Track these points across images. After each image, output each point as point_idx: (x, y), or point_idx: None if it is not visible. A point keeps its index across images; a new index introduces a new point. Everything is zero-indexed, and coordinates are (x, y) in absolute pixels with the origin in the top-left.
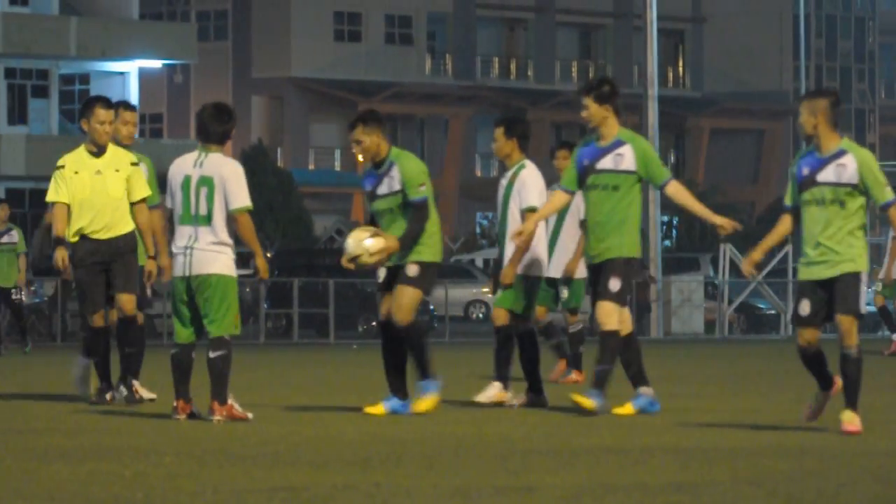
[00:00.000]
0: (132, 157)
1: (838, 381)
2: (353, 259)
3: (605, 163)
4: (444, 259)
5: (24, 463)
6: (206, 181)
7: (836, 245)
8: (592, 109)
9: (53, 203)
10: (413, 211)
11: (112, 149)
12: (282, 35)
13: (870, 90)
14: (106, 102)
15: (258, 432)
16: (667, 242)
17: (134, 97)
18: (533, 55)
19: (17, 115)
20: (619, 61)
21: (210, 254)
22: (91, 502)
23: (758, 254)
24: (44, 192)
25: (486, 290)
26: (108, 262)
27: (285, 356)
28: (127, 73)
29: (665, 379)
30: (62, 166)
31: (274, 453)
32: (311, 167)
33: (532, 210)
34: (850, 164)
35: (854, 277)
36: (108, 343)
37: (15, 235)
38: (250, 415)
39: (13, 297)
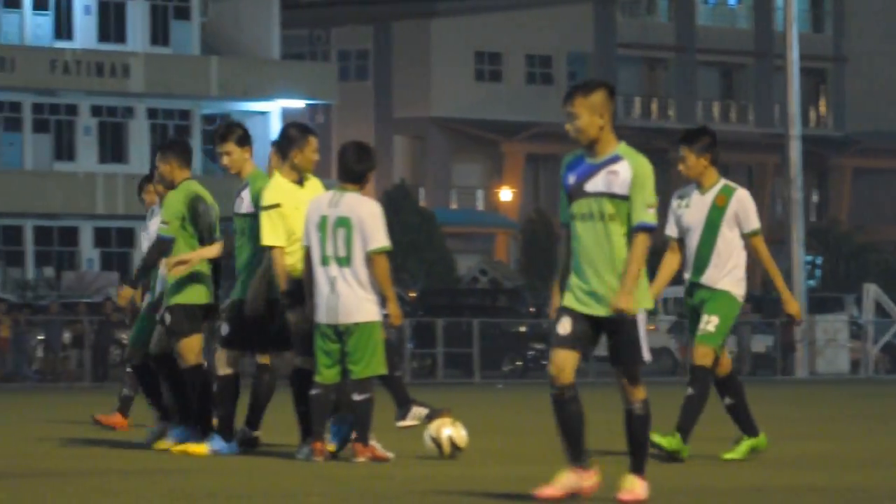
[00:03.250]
0: (319, 180)
1: None
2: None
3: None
4: None
5: (170, 503)
6: (343, 222)
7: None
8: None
9: (271, 247)
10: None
11: (311, 178)
12: (423, 75)
13: None
14: (312, 131)
15: (402, 472)
16: (811, 282)
17: (275, 137)
18: (674, 94)
19: None
20: (761, 101)
21: (354, 300)
22: None
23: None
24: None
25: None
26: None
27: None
28: (268, 113)
29: (811, 419)
30: (278, 205)
31: (420, 492)
32: (454, 207)
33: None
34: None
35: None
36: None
37: None
38: (391, 455)
39: None
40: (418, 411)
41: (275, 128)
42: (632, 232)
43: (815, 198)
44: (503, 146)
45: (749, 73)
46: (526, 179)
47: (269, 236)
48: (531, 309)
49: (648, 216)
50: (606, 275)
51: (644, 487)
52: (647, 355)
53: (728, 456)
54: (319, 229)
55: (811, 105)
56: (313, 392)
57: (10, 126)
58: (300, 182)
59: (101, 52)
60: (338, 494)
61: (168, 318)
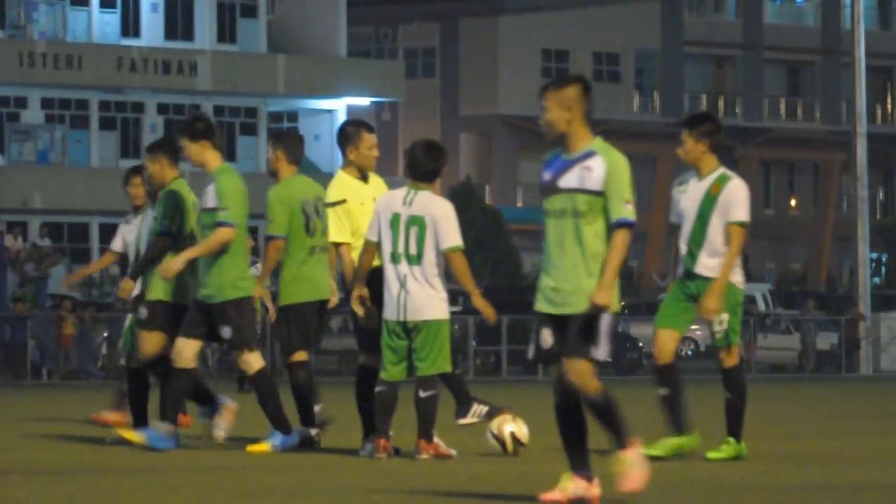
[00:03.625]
0: (381, 178)
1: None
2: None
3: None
4: (654, 296)
5: (232, 500)
6: (416, 220)
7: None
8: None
9: (338, 244)
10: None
11: (372, 175)
12: (489, 72)
13: None
14: (368, 126)
15: (465, 469)
16: (876, 279)
17: None
18: (741, 92)
19: (227, 152)
20: (827, 98)
21: (424, 298)
22: None
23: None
24: (254, 230)
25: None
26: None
27: (493, 394)
28: (335, 111)
29: (874, 416)
30: (343, 200)
31: (485, 491)
32: (520, 204)
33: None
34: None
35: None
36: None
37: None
38: (454, 452)
39: None
40: (478, 409)
41: None
42: (611, 228)
43: (880, 195)
44: None
45: (816, 71)
46: None
47: (335, 233)
48: None
49: (627, 212)
50: (578, 273)
51: (636, 456)
52: (603, 355)
53: (713, 456)
54: (392, 227)
55: (878, 102)
56: (378, 389)
57: (77, 124)
58: (364, 178)
59: (168, 49)
60: (401, 491)
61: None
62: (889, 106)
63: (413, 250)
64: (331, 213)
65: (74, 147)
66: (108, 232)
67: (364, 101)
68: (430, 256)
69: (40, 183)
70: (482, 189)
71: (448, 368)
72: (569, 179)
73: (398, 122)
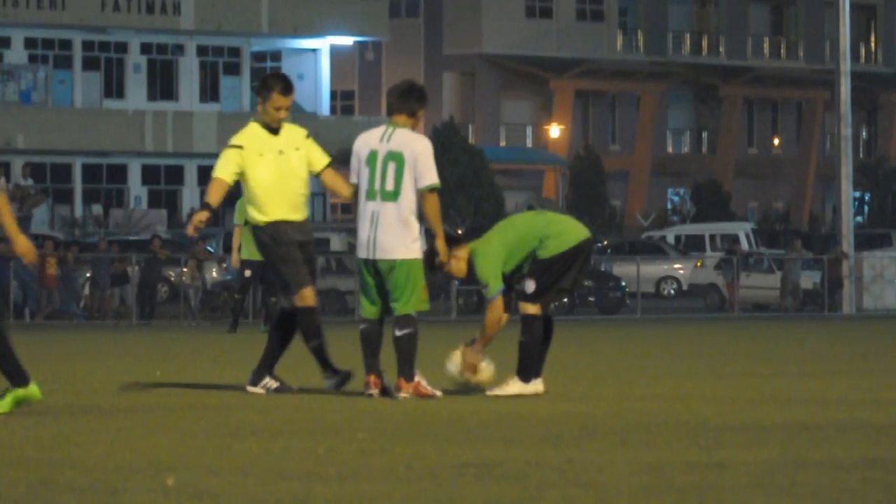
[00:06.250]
0: (304, 129)
1: None
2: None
3: None
4: (637, 234)
5: (216, 439)
6: (394, 156)
7: None
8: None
9: (215, 178)
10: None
11: (286, 125)
12: (473, 11)
13: None
14: (286, 87)
15: (449, 409)
16: (859, 218)
17: (325, 74)
18: (724, 30)
19: (210, 92)
20: (811, 36)
21: (393, 238)
22: (284, 478)
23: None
24: None
25: (677, 265)
26: (304, 244)
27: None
28: (318, 50)
29: (857, 356)
30: (241, 146)
31: (465, 430)
32: (503, 144)
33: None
34: None
35: None
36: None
37: None
38: (439, 393)
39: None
40: (269, 383)
41: (325, 65)
42: None
43: (864, 134)
44: (552, 83)
45: (799, 9)
46: (575, 116)
47: (218, 168)
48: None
49: None
50: None
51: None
52: None
53: None
54: (368, 163)
55: (861, 41)
56: (361, 327)
57: (60, 64)
58: (273, 131)
59: None
60: (383, 430)
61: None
62: (873, 44)
63: (390, 186)
64: (223, 153)
65: (58, 87)
66: (91, 172)
67: (347, 41)
68: (408, 194)
69: (23, 123)
70: (465, 129)
71: (425, 307)
72: None
73: (382, 61)
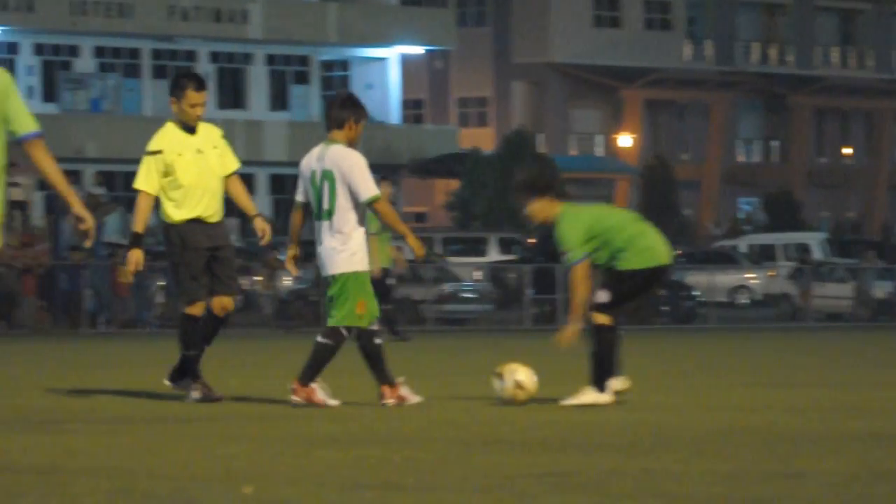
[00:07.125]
0: (220, 129)
1: None
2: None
3: None
4: (708, 244)
5: (293, 448)
6: (327, 175)
7: None
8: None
9: (139, 190)
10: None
11: (202, 124)
12: (541, 20)
13: None
14: (199, 84)
15: (524, 418)
16: None
17: (395, 83)
18: (793, 40)
19: (279, 101)
20: (880, 46)
21: (331, 253)
22: (361, 487)
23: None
24: None
25: (750, 275)
26: (216, 249)
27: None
28: (387, 60)
29: None
30: (160, 151)
31: (541, 439)
32: (573, 153)
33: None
34: None
35: None
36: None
37: None
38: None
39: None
40: (194, 387)
41: (394, 74)
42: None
43: None
44: (622, 92)
45: (868, 19)
46: (645, 125)
47: (140, 180)
48: None
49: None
50: None
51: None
52: None
53: None
54: (311, 184)
55: None
56: (357, 343)
57: (130, 72)
58: (190, 130)
59: None
60: (460, 439)
61: None
62: None
63: (325, 205)
64: (144, 161)
65: (127, 96)
66: None
67: (416, 50)
68: (342, 211)
69: (93, 131)
70: (535, 138)
71: (356, 323)
72: None
73: (450, 70)
